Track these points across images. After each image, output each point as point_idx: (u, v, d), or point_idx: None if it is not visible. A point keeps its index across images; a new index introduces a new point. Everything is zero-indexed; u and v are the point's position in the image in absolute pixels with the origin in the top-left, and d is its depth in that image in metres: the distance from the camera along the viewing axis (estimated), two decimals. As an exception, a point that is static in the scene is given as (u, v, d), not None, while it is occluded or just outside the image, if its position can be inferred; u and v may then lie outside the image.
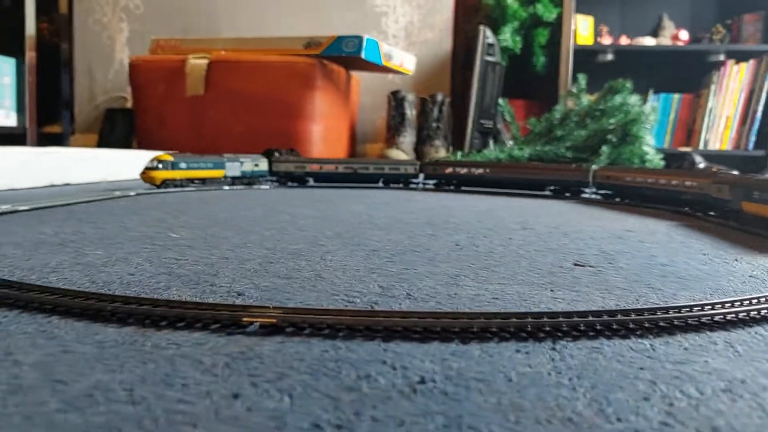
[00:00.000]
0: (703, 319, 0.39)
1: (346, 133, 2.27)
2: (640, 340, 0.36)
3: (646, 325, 0.38)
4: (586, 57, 2.45)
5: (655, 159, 1.89)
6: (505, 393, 0.28)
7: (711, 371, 0.31)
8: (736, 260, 0.64)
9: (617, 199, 1.35)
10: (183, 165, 1.31)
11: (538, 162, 1.90)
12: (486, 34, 2.25)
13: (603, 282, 0.51)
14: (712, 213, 1.05)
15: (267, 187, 1.49)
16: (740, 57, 2.45)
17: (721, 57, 2.47)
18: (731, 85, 2.44)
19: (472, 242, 0.72)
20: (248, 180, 1.47)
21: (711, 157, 2.24)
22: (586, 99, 2.04)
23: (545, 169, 1.53)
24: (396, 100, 2.36)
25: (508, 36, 2.40)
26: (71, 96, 2.68)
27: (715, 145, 2.47)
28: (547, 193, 1.48)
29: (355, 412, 0.25)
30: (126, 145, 2.27)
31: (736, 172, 1.56)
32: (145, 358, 0.31)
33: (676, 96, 2.53)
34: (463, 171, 1.54)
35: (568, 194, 1.45)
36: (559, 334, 0.36)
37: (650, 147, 1.89)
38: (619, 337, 0.36)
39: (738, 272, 0.58)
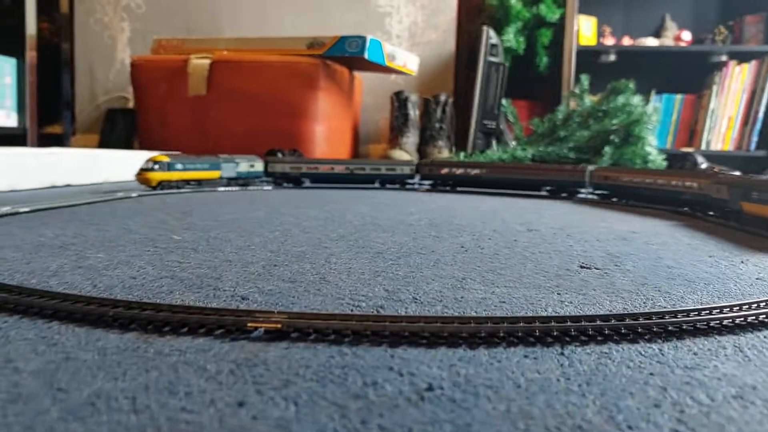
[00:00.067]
0: (712, 323, 0.39)
1: (349, 133, 2.27)
2: (649, 345, 0.35)
3: (655, 329, 0.37)
4: (588, 57, 2.44)
5: (657, 159, 1.89)
6: (514, 400, 0.27)
7: (721, 377, 0.31)
8: (743, 262, 0.64)
9: (614, 199, 1.35)
10: (179, 166, 1.30)
11: (541, 162, 1.90)
12: (489, 35, 2.24)
13: (610, 285, 0.51)
14: (711, 213, 1.05)
15: (270, 188, 1.49)
16: (742, 58, 2.45)
17: (723, 58, 2.46)
18: (733, 85, 2.43)
19: (477, 244, 0.71)
20: (244, 181, 1.46)
21: (713, 157, 2.24)
22: (589, 99, 2.04)
23: (541, 170, 1.54)
24: (399, 100, 2.35)
25: (511, 36, 2.39)
26: (72, 96, 2.68)
27: (717, 146, 2.46)
28: (544, 193, 1.47)
29: (361, 420, 0.25)
30: (127, 145, 2.27)
31: (737, 173, 1.56)
32: (148, 365, 0.30)
33: (679, 96, 2.52)
34: (459, 171, 1.54)
35: (564, 194, 1.45)
36: (568, 339, 0.36)
37: (653, 147, 1.89)
38: (628, 342, 0.36)
39: (745, 275, 0.58)
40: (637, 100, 1.91)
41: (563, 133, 1.99)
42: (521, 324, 0.36)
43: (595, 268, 0.58)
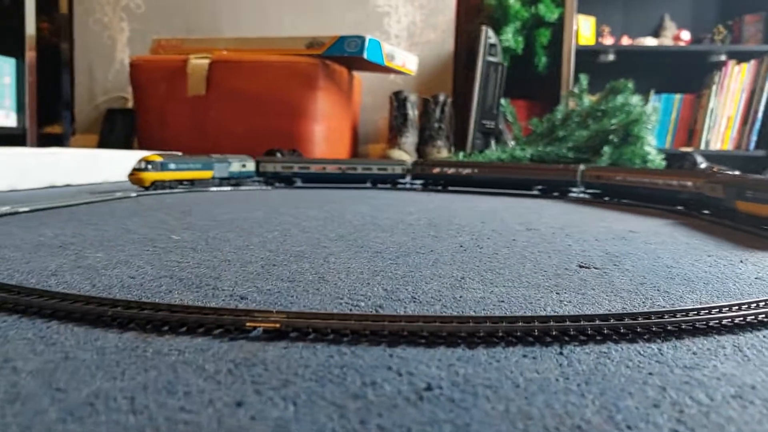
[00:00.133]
0: (711, 323, 0.39)
1: (349, 133, 2.27)
2: (648, 345, 0.35)
3: (654, 329, 0.37)
4: (587, 57, 2.44)
5: (656, 159, 1.89)
6: (513, 400, 0.27)
7: (720, 376, 0.31)
8: (742, 262, 0.64)
9: (606, 198, 1.37)
10: (172, 166, 1.28)
11: (540, 162, 1.90)
12: (488, 35, 2.24)
13: (609, 284, 0.51)
14: (706, 212, 1.07)
15: (263, 187, 1.48)
16: (741, 57, 2.45)
17: (723, 57, 2.46)
18: (732, 85, 2.43)
19: (476, 244, 0.71)
20: (236, 181, 1.45)
21: (712, 157, 2.24)
22: (588, 99, 2.04)
23: (532, 169, 1.55)
24: (398, 100, 2.35)
25: (510, 36, 2.39)
26: (71, 96, 2.68)
27: (716, 146, 2.46)
28: (536, 192, 1.48)
29: (360, 420, 0.25)
30: (126, 145, 2.27)
31: (737, 172, 1.56)
32: (147, 365, 0.30)
33: (678, 96, 2.52)
34: (451, 171, 1.54)
35: (556, 194, 1.45)
36: (567, 338, 0.36)
37: (652, 147, 1.89)
38: (627, 342, 0.36)
39: (744, 274, 0.58)
40: (636, 99, 1.91)
41: (562, 133, 1.99)
42: (520, 323, 0.36)
43: (594, 268, 0.58)
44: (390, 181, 1.57)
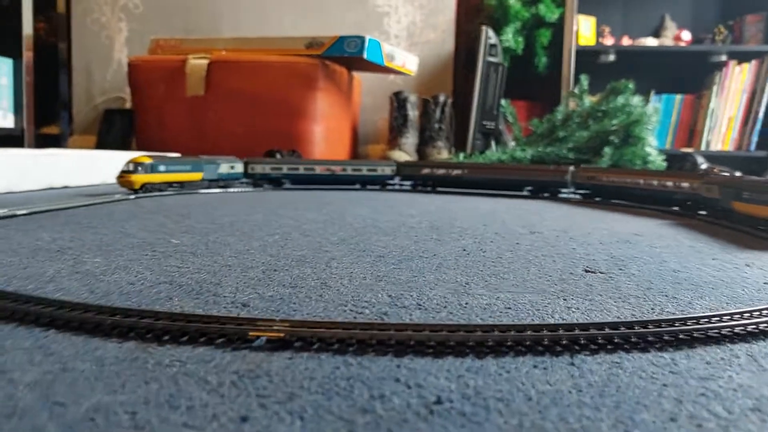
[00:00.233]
0: (724, 331, 0.38)
1: (348, 133, 2.26)
2: (660, 354, 0.35)
3: (666, 337, 0.36)
4: (588, 58, 2.44)
5: (657, 160, 1.88)
6: (526, 414, 0.26)
7: (737, 388, 0.30)
8: (748, 266, 0.63)
9: (597, 198, 1.38)
10: (162, 168, 1.24)
11: (540, 163, 1.89)
12: (488, 35, 2.23)
13: (616, 290, 0.50)
14: (701, 212, 1.08)
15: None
16: (742, 58, 2.44)
17: (723, 58, 2.46)
18: (733, 85, 2.43)
19: (479, 247, 0.71)
20: (224, 183, 1.43)
21: (713, 158, 2.23)
22: (588, 100, 2.03)
23: (522, 170, 1.55)
24: (398, 101, 2.34)
25: (510, 36, 2.38)
26: (69, 97, 2.66)
27: (716, 146, 2.46)
28: (525, 193, 1.48)
29: (369, 436, 0.24)
30: (124, 146, 2.26)
31: (738, 174, 1.55)
32: (148, 377, 0.29)
33: (678, 97, 2.51)
34: (441, 172, 1.53)
35: (546, 194, 1.46)
36: (577, 347, 0.35)
37: (653, 148, 1.88)
38: (639, 351, 0.35)
39: (751, 279, 0.57)
40: (636, 100, 1.90)
41: (563, 133, 1.98)
42: (529, 332, 0.35)
43: (600, 272, 0.57)
44: (379, 183, 1.56)
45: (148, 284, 0.48)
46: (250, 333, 0.35)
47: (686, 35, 2.55)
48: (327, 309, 0.43)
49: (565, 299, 0.47)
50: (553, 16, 2.42)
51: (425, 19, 2.56)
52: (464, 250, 0.69)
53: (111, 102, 2.60)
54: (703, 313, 0.42)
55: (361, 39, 1.95)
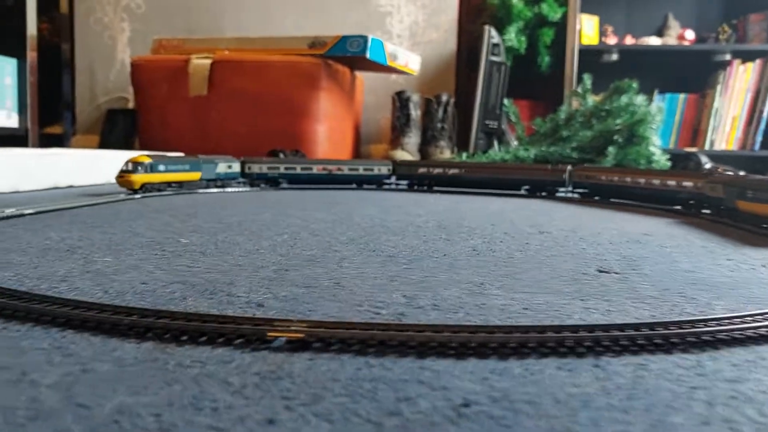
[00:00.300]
0: (748, 332, 0.37)
1: (351, 133, 2.25)
2: (684, 356, 0.34)
3: (690, 339, 0.36)
4: (591, 57, 2.43)
5: (661, 160, 1.87)
6: (557, 417, 0.26)
7: (766, 390, 0.30)
8: (764, 266, 0.63)
9: (596, 197, 1.38)
10: (161, 167, 1.22)
11: (544, 162, 1.89)
12: (491, 34, 2.23)
13: (632, 290, 0.50)
14: (705, 211, 1.09)
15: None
16: (746, 57, 2.43)
17: (727, 57, 2.45)
18: (737, 85, 2.42)
19: (489, 247, 0.70)
20: (222, 182, 1.41)
21: (717, 157, 2.22)
22: (592, 99, 2.02)
23: (520, 169, 1.55)
24: (401, 100, 2.34)
25: (512, 36, 2.38)
26: (72, 97, 2.66)
27: (720, 146, 2.45)
28: (523, 192, 1.48)
29: (399, 439, 0.24)
30: (127, 146, 2.25)
31: (742, 173, 1.55)
32: (169, 378, 0.29)
33: (682, 96, 2.51)
34: (437, 171, 1.53)
35: (544, 193, 1.46)
36: (600, 349, 0.34)
37: (657, 148, 1.88)
38: (663, 353, 0.35)
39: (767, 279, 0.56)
40: (640, 99, 1.89)
41: (566, 133, 1.97)
42: (550, 333, 0.35)
43: (614, 273, 0.57)
44: (376, 182, 1.56)
45: (161, 284, 0.48)
46: (269, 333, 0.34)
47: (690, 34, 2.54)
48: (342, 309, 0.42)
49: (582, 300, 0.46)
50: (555, 15, 2.42)
51: (427, 19, 2.56)
52: (474, 250, 0.68)
53: (114, 102, 2.60)
54: (724, 314, 0.41)
55: (364, 38, 1.95)
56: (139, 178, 1.17)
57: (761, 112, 2.39)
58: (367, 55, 1.95)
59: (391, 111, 2.40)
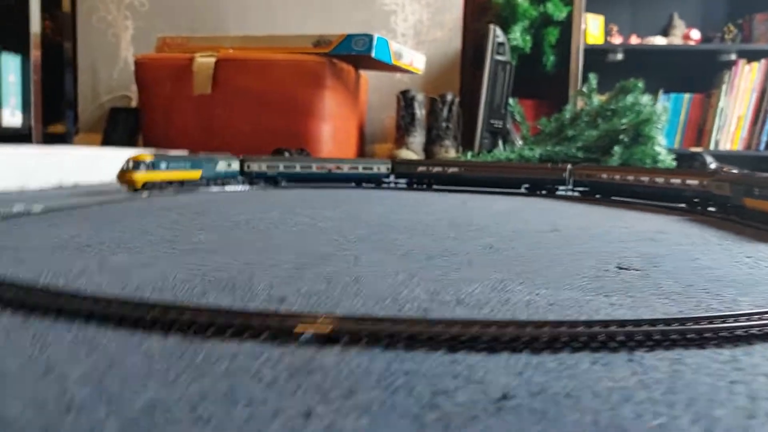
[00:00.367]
0: (780, 328, 0.37)
1: (355, 132, 2.25)
2: (718, 351, 0.34)
3: (723, 333, 0.35)
4: (596, 56, 2.42)
5: (667, 159, 1.87)
6: (600, 411, 0.25)
7: (805, 385, 0.29)
8: (782, 263, 0.62)
9: (597, 195, 1.38)
10: (163, 166, 1.20)
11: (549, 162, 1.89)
12: (496, 33, 2.22)
13: (655, 286, 0.49)
14: (711, 209, 1.10)
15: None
16: (752, 56, 2.43)
17: (733, 56, 2.44)
18: (742, 84, 2.42)
19: (503, 245, 0.70)
20: (222, 181, 1.40)
21: (722, 157, 2.22)
22: (597, 99, 2.02)
23: (519, 167, 1.56)
24: (405, 99, 2.33)
25: (518, 35, 2.37)
26: (75, 95, 2.65)
27: (726, 146, 2.44)
28: (523, 190, 1.48)
29: (442, 433, 0.23)
30: (130, 144, 2.25)
31: (746, 172, 1.54)
32: (200, 372, 0.28)
33: (687, 96, 2.50)
34: (437, 170, 1.53)
35: (544, 191, 1.46)
36: (633, 343, 0.34)
37: (662, 147, 1.87)
38: (696, 347, 0.34)
39: (788, 276, 0.56)
40: (646, 99, 1.89)
41: (571, 132, 1.97)
42: (581, 328, 0.34)
43: (635, 270, 0.56)
44: (375, 180, 1.56)
45: (179, 280, 0.47)
46: (298, 327, 0.34)
47: (695, 34, 2.54)
48: (366, 304, 0.42)
49: (606, 296, 0.46)
50: (561, 14, 2.41)
51: (432, 18, 2.55)
52: (490, 247, 0.68)
53: (117, 100, 2.59)
54: (752, 309, 0.41)
55: (369, 37, 1.94)
56: (142, 176, 1.15)
57: (766, 111, 2.38)
58: (373, 54, 1.94)
59: (395, 110, 2.39)
